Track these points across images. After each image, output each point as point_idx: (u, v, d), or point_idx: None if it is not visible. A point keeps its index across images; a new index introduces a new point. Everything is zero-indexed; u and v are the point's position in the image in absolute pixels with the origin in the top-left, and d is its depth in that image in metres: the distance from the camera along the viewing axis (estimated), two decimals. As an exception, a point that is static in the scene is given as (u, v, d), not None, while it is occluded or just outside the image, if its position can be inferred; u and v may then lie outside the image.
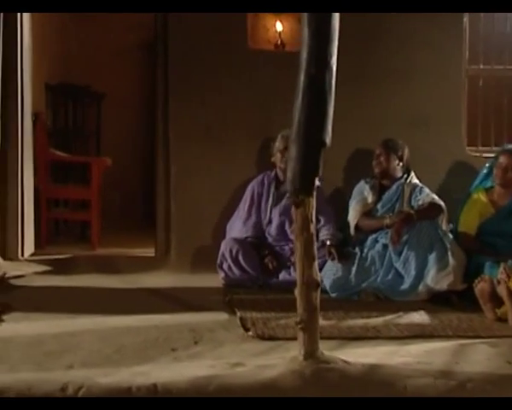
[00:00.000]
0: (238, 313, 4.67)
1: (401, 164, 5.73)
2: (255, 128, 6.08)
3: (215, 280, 5.71)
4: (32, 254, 6.54)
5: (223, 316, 4.72)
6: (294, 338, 4.04)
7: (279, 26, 6.13)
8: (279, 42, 6.15)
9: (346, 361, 3.68)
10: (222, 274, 5.63)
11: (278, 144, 5.80)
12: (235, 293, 5.29)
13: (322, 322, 3.83)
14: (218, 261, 5.64)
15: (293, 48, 6.10)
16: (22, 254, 6.30)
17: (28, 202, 6.37)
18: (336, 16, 3.69)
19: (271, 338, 4.17)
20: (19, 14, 6.14)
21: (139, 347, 4.03)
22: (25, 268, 6.03)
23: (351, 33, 6.00)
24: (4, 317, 4.60)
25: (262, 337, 4.18)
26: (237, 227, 5.79)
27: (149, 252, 6.67)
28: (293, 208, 3.82)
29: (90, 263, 6.25)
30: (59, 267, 6.13)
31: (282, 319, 4.54)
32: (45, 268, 6.11)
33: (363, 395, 3.46)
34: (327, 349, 3.78)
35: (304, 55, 3.66)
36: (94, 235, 7.50)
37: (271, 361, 3.78)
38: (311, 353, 3.65)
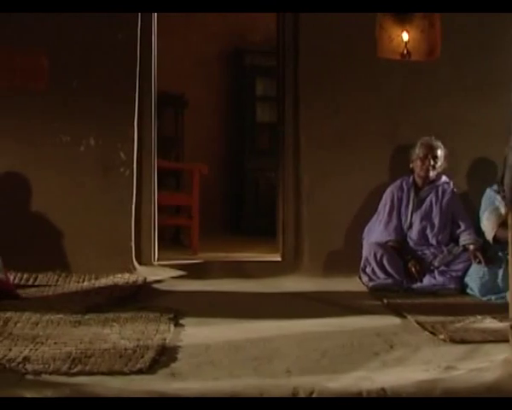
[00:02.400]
0: (410, 317, 4.61)
1: None
2: (384, 135, 6.02)
3: (350, 284, 5.65)
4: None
5: (394, 320, 4.64)
6: (486, 341, 4.04)
7: (405, 36, 6.08)
8: (405, 51, 6.10)
9: None
10: (365, 278, 5.56)
11: (418, 151, 5.75)
12: (383, 296, 5.21)
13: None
14: (362, 265, 5.58)
15: (419, 57, 6.10)
16: (154, 260, 6.23)
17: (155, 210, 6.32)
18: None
19: (463, 341, 4.10)
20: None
21: (341, 352, 3.94)
22: (161, 273, 5.97)
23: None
24: (180, 322, 4.56)
25: (454, 341, 4.11)
26: (378, 230, 5.72)
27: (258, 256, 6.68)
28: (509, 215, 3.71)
29: (221, 268, 6.18)
30: (192, 272, 6.06)
31: (455, 322, 4.49)
32: (179, 273, 6.04)
33: None
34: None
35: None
36: (195, 240, 7.42)
37: (480, 365, 3.73)
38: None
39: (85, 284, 5.56)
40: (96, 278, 5.66)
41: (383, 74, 5.99)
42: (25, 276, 5.64)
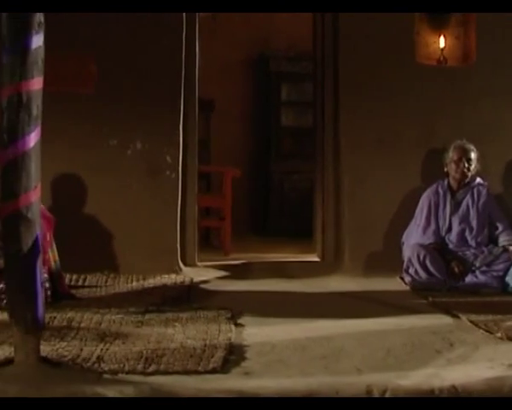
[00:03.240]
0: (462, 316, 4.66)
1: None
2: (421, 139, 6.08)
3: (392, 284, 5.71)
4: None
5: (444, 318, 4.68)
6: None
7: (441, 42, 6.12)
8: (441, 57, 6.14)
9: None
10: (408, 278, 5.60)
11: (452, 154, 5.80)
12: (428, 295, 5.26)
13: None
14: (405, 266, 5.63)
15: (455, 63, 6.14)
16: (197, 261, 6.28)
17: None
18: None
19: (520, 340, 4.16)
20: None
21: (404, 350, 3.97)
22: (205, 274, 6.01)
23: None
24: (238, 321, 4.60)
25: (511, 339, 4.17)
26: (417, 235, 5.76)
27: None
28: None
29: (262, 268, 6.23)
30: (235, 272, 6.11)
31: (506, 320, 4.52)
32: (223, 273, 6.08)
33: None
34: None
35: None
36: (227, 241, 7.47)
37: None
38: None
39: (134, 284, 5.60)
40: (144, 279, 5.71)
41: (421, 79, 6.04)
42: (74, 277, 5.69)
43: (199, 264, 6.24)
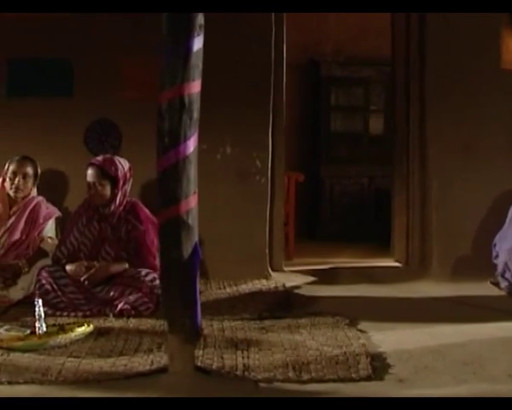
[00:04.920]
0: None
1: None
2: (507, 144, 5.99)
3: (484, 288, 5.59)
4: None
5: None
6: None
7: (526, 48, 6.09)
8: (525, 63, 6.11)
9: None
10: (505, 283, 5.51)
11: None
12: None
13: None
14: (501, 270, 5.53)
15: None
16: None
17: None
18: None
19: None
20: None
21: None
22: (294, 279, 5.90)
23: None
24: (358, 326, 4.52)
25: None
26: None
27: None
28: None
29: (349, 273, 6.14)
30: (323, 277, 6.01)
31: None
32: (311, 279, 5.99)
33: None
34: None
35: None
36: (291, 246, 7.36)
37: None
38: None
39: (228, 290, 5.50)
40: (236, 285, 5.60)
41: (507, 85, 5.97)
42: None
43: (285, 269, 6.14)
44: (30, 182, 5.37)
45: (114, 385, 3.47)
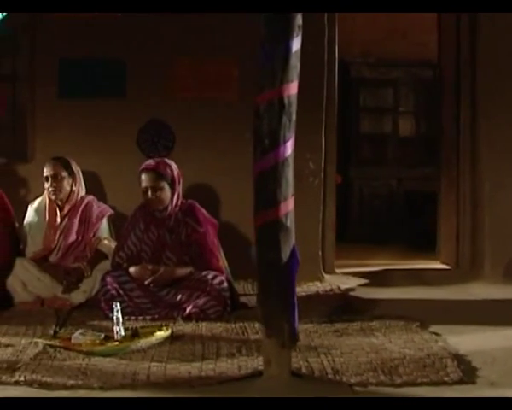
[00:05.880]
0: None
1: None
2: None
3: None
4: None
5: None
6: None
7: None
8: None
9: None
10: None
11: None
12: None
13: None
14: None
15: None
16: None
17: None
18: None
19: None
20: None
21: None
22: (346, 281, 5.88)
23: None
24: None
25: None
26: None
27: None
28: None
29: (400, 275, 6.11)
30: (376, 280, 5.99)
31: None
32: (364, 281, 5.96)
33: None
34: None
35: None
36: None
37: None
38: None
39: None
40: (290, 287, 5.55)
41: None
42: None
43: (337, 271, 6.10)
44: (65, 182, 5.27)
45: (208, 390, 3.43)
